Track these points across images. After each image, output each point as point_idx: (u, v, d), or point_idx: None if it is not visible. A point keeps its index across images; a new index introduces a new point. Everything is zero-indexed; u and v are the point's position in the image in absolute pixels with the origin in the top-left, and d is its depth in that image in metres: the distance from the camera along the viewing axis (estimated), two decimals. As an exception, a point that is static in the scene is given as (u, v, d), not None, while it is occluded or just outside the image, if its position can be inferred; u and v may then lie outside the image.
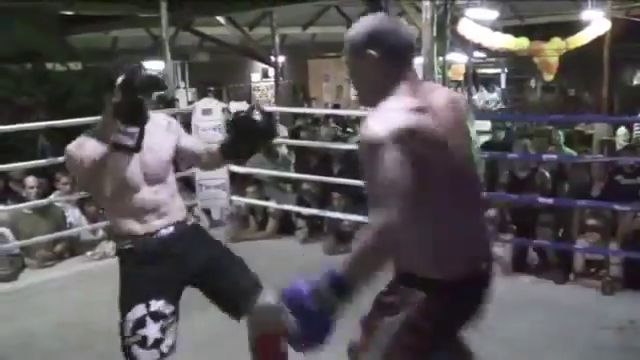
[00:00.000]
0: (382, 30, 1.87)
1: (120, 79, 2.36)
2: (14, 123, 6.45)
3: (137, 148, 2.40)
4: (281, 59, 13.82)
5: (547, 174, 6.03)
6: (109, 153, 2.41)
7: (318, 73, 19.31)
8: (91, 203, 6.05)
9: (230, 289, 2.77)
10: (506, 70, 18.56)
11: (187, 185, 6.74)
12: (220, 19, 12.12)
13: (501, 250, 5.12)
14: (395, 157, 1.66)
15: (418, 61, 10.60)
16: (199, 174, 6.34)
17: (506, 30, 11.77)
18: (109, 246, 5.77)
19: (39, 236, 5.54)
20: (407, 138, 1.69)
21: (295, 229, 6.13)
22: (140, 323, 2.55)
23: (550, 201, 5.04)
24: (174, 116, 10.56)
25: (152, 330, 2.55)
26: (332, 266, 1.80)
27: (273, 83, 15.23)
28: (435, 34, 6.49)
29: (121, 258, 2.70)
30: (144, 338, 2.54)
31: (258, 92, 18.48)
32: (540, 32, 12.19)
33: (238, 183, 6.58)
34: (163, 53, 11.37)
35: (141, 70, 2.43)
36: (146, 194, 2.59)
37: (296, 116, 12.32)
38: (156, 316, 2.56)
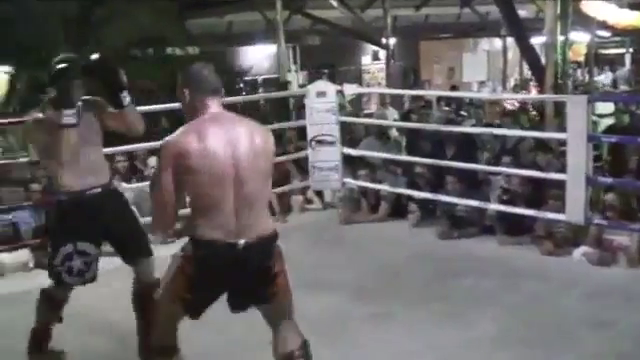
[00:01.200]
0: (192, 74, 2.77)
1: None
2: (137, 105, 6.71)
3: (77, 124, 3.25)
4: (392, 41, 13.66)
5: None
6: (58, 130, 3.22)
7: (430, 55, 18.96)
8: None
9: (126, 247, 3.55)
10: (631, 50, 17.53)
11: (300, 167, 6.81)
12: (332, 1, 12.12)
13: (627, 240, 4.84)
14: (163, 164, 2.62)
15: (538, 40, 10.23)
16: (312, 156, 6.38)
17: (633, 7, 11.07)
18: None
19: (160, 214, 5.75)
20: (173, 155, 2.58)
21: (407, 213, 6.06)
22: (68, 257, 3.33)
23: (687, 188, 4.70)
24: (288, 99, 10.74)
25: (77, 263, 3.33)
26: None
27: (384, 65, 15.11)
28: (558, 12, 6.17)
29: (58, 205, 3.43)
30: (70, 268, 3.34)
31: (368, 74, 18.37)
32: (672, 8, 11.38)
33: (351, 166, 6.56)
34: (277, 37, 11.52)
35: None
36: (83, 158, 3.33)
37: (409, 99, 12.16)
38: (82, 254, 3.34)
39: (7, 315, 4.25)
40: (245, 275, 2.70)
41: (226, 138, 2.61)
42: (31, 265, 5.10)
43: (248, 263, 2.66)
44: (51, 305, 3.51)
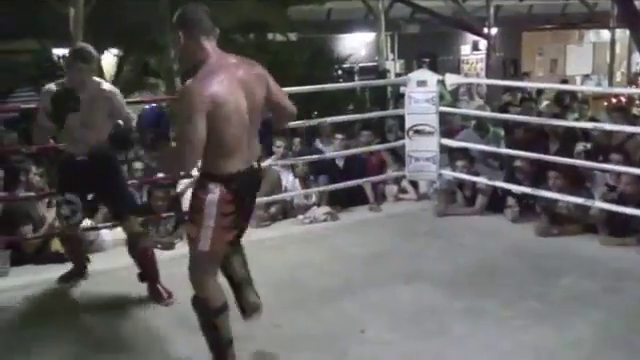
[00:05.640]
0: (187, 14, 2.85)
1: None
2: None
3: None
4: (494, 31, 13.34)
5: None
6: None
7: (532, 46, 18.41)
8: (299, 168, 6.30)
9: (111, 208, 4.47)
10: None
11: (396, 156, 6.77)
12: (434, -10, 11.95)
13: None
14: (196, 109, 2.69)
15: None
16: (409, 146, 6.32)
17: None
18: (319, 212, 5.96)
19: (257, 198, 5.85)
20: (207, 101, 2.69)
21: (504, 207, 5.90)
22: (59, 204, 4.24)
23: None
24: (385, 87, 10.70)
25: (65, 210, 4.18)
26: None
27: (483, 56, 14.78)
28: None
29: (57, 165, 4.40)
30: (60, 213, 4.26)
31: (467, 65, 18.06)
32: None
33: (447, 157, 6.46)
34: (377, 24, 11.47)
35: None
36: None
37: (505, 91, 11.86)
38: (68, 202, 4.16)
39: (105, 290, 4.44)
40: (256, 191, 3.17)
41: (238, 82, 2.79)
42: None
43: (259, 179, 3.13)
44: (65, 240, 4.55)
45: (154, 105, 2.96)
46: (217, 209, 2.86)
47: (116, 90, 4.17)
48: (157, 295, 4.25)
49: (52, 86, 4.04)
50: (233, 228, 2.98)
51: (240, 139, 2.84)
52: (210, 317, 3.05)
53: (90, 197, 4.33)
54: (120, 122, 4.05)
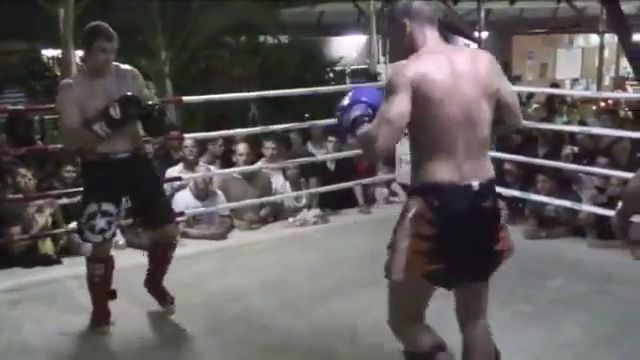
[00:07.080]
0: (411, 3, 2.51)
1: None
2: (229, 92, 6.87)
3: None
4: (484, 35, 13.38)
5: None
6: None
7: (522, 50, 18.48)
8: (292, 170, 6.29)
9: (149, 213, 3.77)
10: None
11: (386, 159, 6.78)
12: (424, -7, 11.97)
13: None
14: (398, 87, 2.32)
15: (638, 38, 9.77)
16: (399, 149, 6.32)
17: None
18: (310, 214, 5.97)
19: (247, 200, 5.86)
20: (412, 77, 2.32)
21: (493, 210, 5.92)
22: (92, 216, 3.56)
23: None
24: (378, 89, 10.66)
25: (100, 222, 3.56)
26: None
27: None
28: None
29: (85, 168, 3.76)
30: (93, 226, 3.57)
31: (457, 68, 18.08)
32: None
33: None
34: (369, 28, 11.50)
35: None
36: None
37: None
38: (105, 213, 3.57)
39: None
40: (480, 225, 2.46)
41: (458, 68, 2.39)
42: (121, 243, 5.26)
43: (483, 207, 2.44)
44: (95, 262, 3.75)
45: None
46: (412, 227, 2.40)
47: (136, 70, 3.72)
48: (163, 297, 4.00)
49: (69, 80, 3.62)
50: (434, 261, 2.39)
51: (450, 137, 2.36)
52: None
53: (125, 203, 3.72)
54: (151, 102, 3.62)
